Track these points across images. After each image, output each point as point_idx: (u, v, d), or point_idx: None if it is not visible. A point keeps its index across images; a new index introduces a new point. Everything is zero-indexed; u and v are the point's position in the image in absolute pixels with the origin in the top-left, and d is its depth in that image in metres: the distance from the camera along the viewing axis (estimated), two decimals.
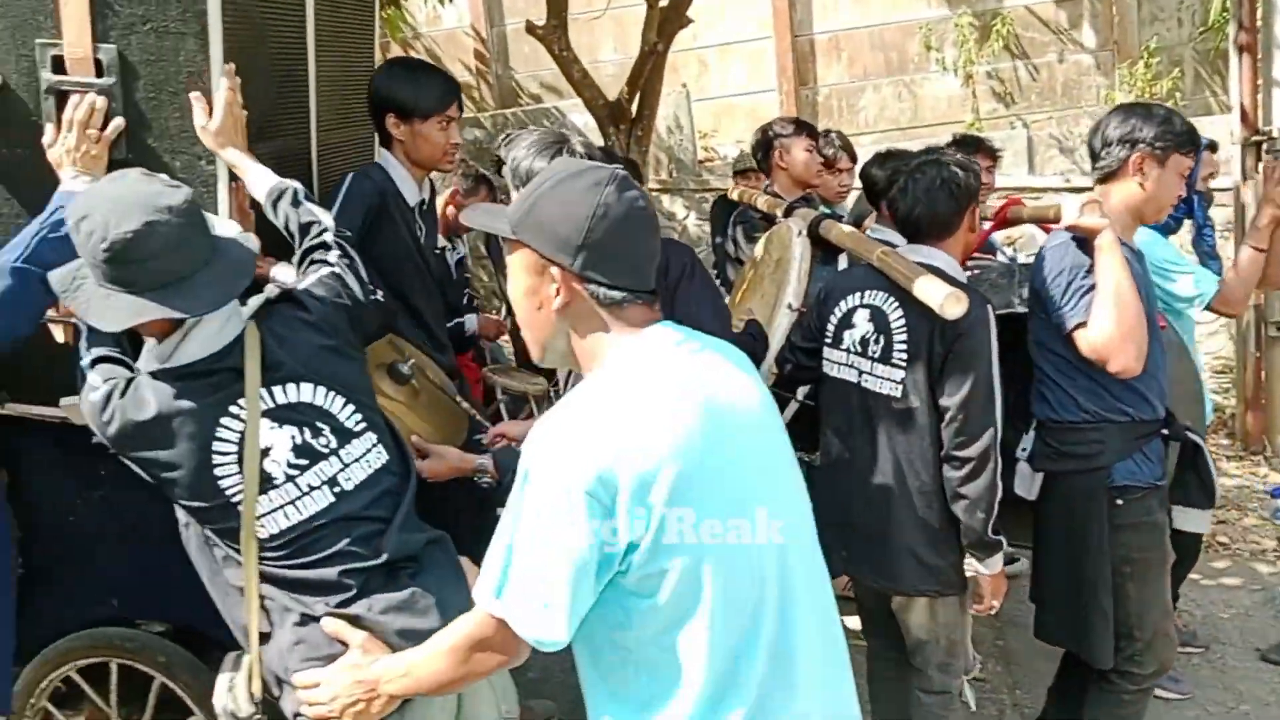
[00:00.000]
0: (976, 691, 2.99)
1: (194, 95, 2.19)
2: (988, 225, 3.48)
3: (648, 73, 6.21)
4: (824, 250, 3.60)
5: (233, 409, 1.79)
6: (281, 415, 1.81)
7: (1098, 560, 2.58)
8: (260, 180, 2.18)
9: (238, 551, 1.82)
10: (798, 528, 1.48)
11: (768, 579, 1.40)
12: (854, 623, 2.90)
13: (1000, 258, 3.85)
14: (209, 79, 2.19)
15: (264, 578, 1.80)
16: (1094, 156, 2.64)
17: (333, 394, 1.86)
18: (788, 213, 3.40)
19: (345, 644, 1.76)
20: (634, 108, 6.31)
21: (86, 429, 2.33)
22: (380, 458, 1.87)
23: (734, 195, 4.20)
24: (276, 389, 1.82)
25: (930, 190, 2.54)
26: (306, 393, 1.84)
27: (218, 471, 1.77)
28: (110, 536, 2.53)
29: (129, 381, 1.80)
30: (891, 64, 7.67)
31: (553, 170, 1.48)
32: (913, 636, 2.66)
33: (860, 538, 2.60)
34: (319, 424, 1.83)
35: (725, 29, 7.97)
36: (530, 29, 6.07)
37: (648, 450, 1.32)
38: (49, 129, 2.22)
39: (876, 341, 2.56)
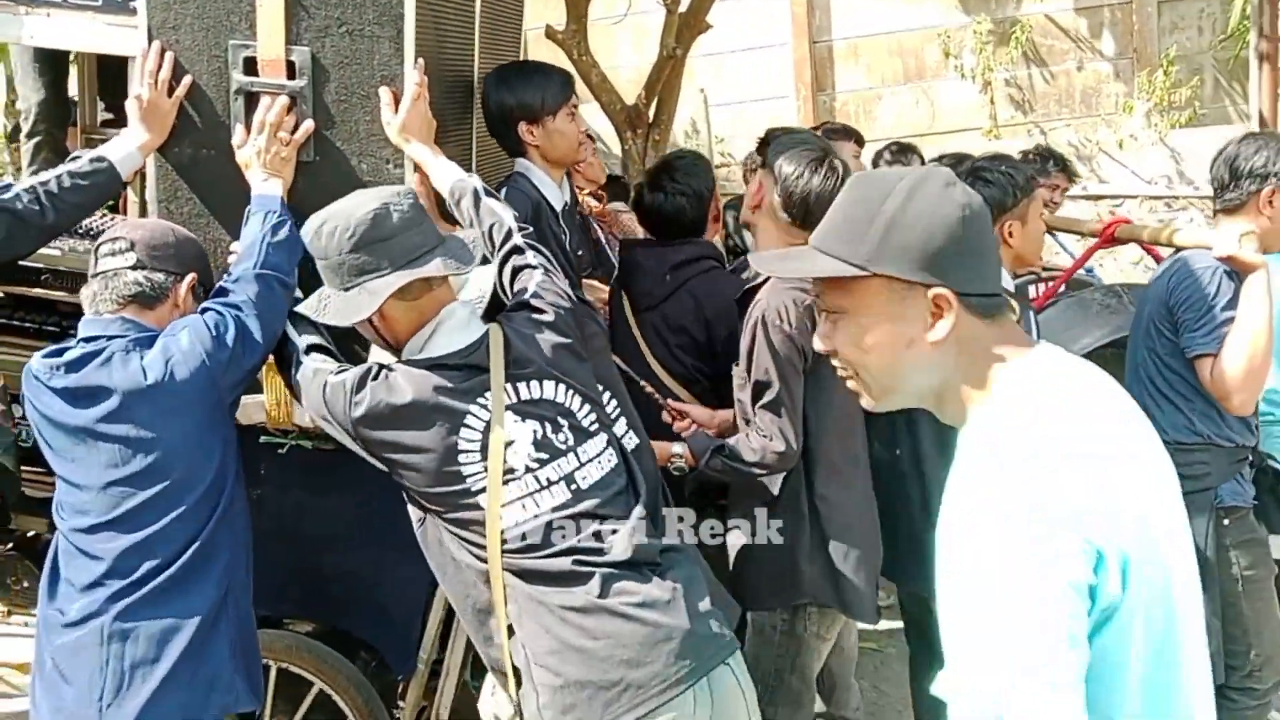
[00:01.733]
0: None
1: (382, 89, 2.21)
2: (1092, 243, 3.56)
3: (666, 77, 6.26)
4: None
5: (480, 400, 1.84)
6: (524, 410, 1.85)
7: (1206, 579, 2.67)
8: (444, 176, 2.21)
9: (473, 544, 1.85)
10: (1189, 568, 1.32)
11: (1172, 625, 1.25)
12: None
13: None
14: (401, 83, 2.21)
15: (504, 568, 1.83)
16: (1221, 187, 2.65)
17: (572, 392, 1.90)
18: None
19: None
20: (652, 112, 6.37)
21: (250, 429, 2.36)
22: (612, 460, 1.90)
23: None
24: (521, 385, 1.86)
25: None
26: (549, 390, 1.88)
27: (461, 459, 1.82)
28: (265, 536, 2.54)
29: (380, 368, 1.85)
30: (910, 70, 7.78)
31: (881, 184, 1.26)
32: None
33: (905, 539, 2.57)
34: (559, 420, 1.87)
35: (743, 34, 8.04)
36: (550, 34, 6.09)
37: (1112, 508, 1.17)
38: (238, 130, 2.23)
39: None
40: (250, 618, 2.05)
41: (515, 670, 1.85)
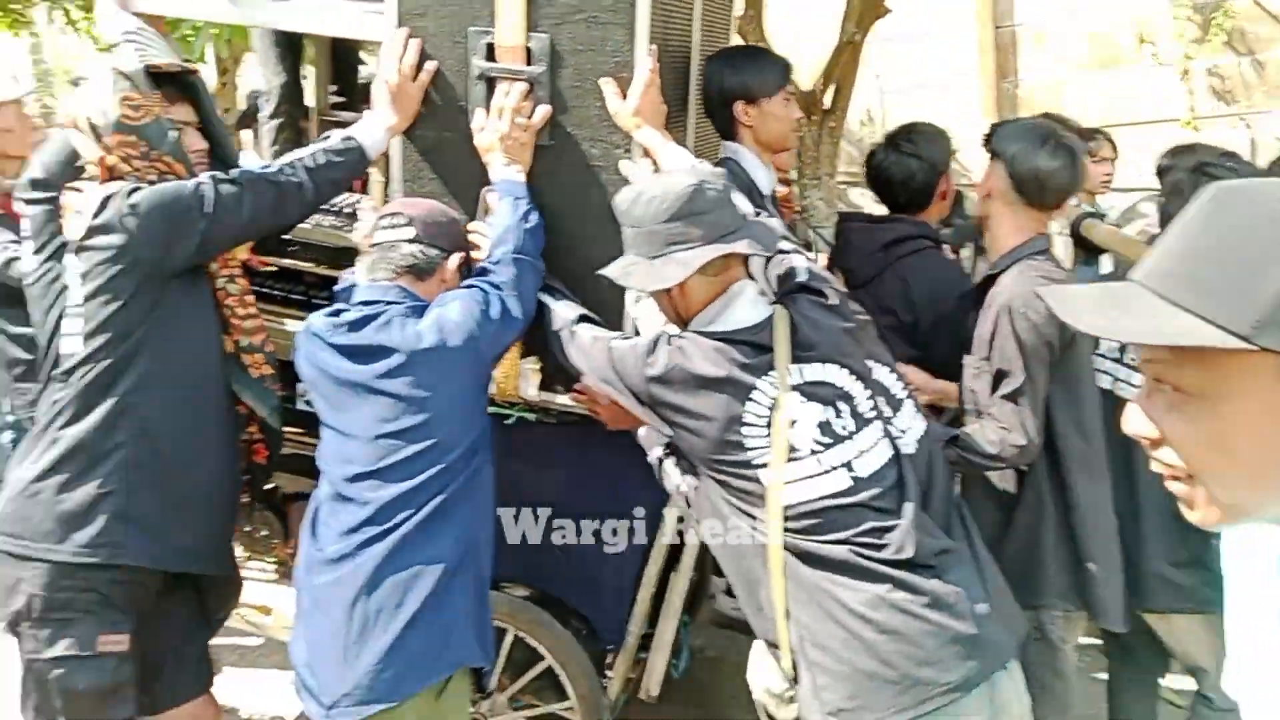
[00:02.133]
0: None
1: (603, 81, 2.26)
2: None
3: (843, 63, 6.20)
4: (1085, 251, 3.53)
5: (767, 377, 1.86)
6: (809, 391, 1.87)
7: None
8: (674, 162, 2.23)
9: (752, 517, 1.86)
10: None
11: None
12: None
13: None
14: (632, 69, 2.25)
15: (784, 547, 1.83)
16: None
17: (854, 378, 1.90)
18: None
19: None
20: (828, 99, 6.31)
21: None
22: (886, 451, 1.88)
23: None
24: (806, 366, 1.88)
25: None
26: (832, 373, 1.89)
27: (744, 430, 1.84)
28: None
29: (670, 336, 1.93)
30: (1100, 57, 7.45)
31: (1268, 213, 0.90)
32: (1189, 658, 2.56)
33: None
34: (840, 405, 1.87)
35: (922, 18, 7.86)
36: None
37: None
38: (478, 114, 2.32)
39: (1139, 346, 2.46)
40: (486, 580, 2.13)
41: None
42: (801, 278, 2.01)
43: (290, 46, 3.53)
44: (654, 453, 2.26)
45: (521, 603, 2.61)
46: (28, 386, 2.98)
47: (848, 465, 1.84)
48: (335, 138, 2.35)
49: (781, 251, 2.06)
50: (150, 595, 2.26)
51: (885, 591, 1.76)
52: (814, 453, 1.83)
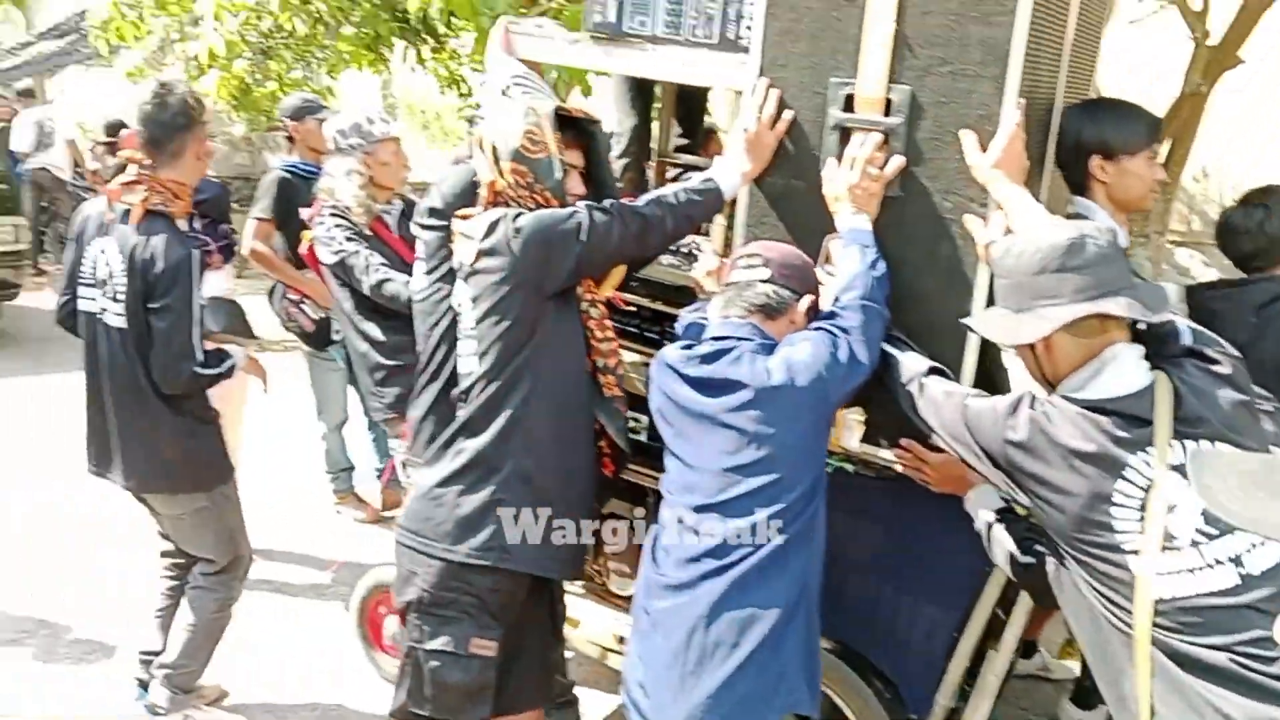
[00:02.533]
0: None
1: (963, 132, 2.21)
2: None
3: (1184, 116, 5.75)
4: None
5: (1144, 454, 1.70)
6: None
7: None
8: (1031, 220, 2.12)
9: (1116, 605, 1.72)
10: None
11: None
12: None
13: None
14: (995, 121, 2.19)
15: (1153, 643, 1.69)
16: None
17: None
18: None
19: None
20: (1163, 152, 5.87)
21: None
22: None
23: None
24: (1191, 444, 1.71)
25: None
26: (1223, 454, 1.71)
27: (1114, 512, 1.70)
28: None
29: (1034, 398, 1.82)
30: None
31: None
32: None
33: None
34: None
35: (1275, 67, 7.18)
36: None
37: None
38: (830, 163, 2.34)
39: None
40: (817, 625, 2.11)
41: None
42: (1187, 340, 1.84)
43: (641, 91, 3.72)
44: (982, 518, 2.16)
45: (832, 659, 2.56)
46: (386, 391, 3.30)
47: (1236, 560, 1.64)
48: (696, 179, 2.44)
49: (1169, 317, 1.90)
50: (517, 606, 2.41)
51: (1276, 711, 1.57)
52: (1195, 544, 1.65)
